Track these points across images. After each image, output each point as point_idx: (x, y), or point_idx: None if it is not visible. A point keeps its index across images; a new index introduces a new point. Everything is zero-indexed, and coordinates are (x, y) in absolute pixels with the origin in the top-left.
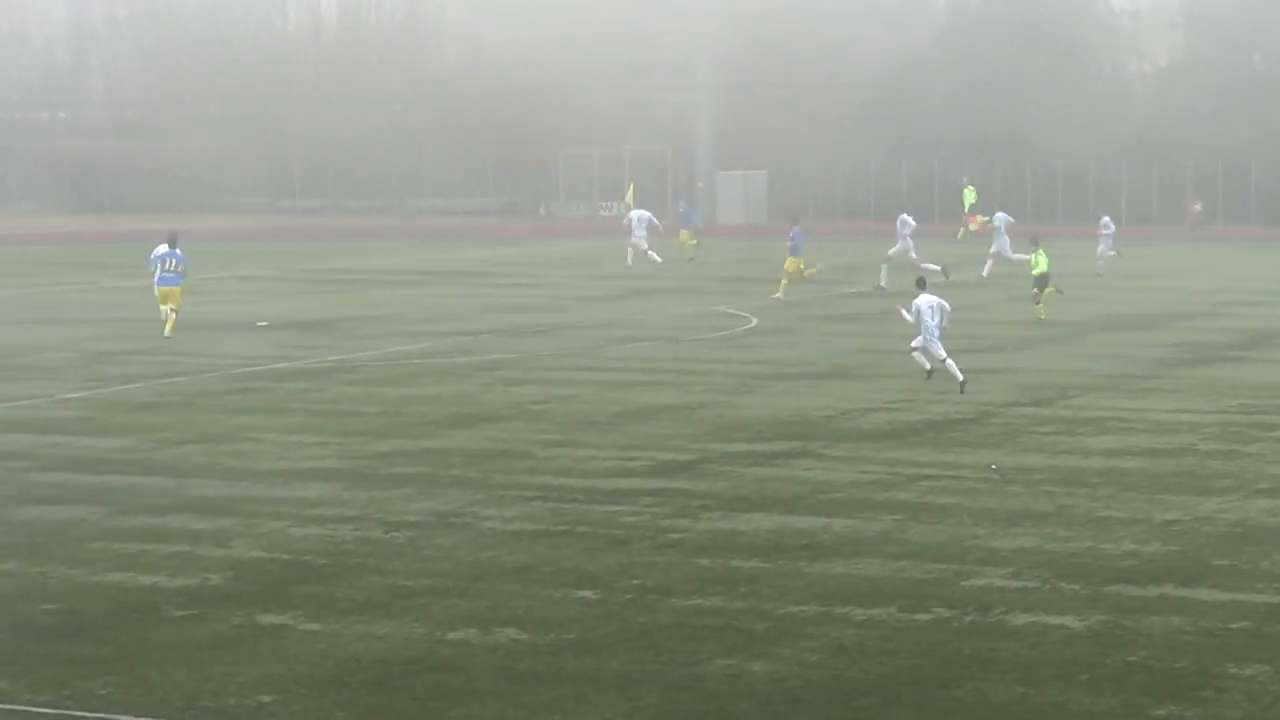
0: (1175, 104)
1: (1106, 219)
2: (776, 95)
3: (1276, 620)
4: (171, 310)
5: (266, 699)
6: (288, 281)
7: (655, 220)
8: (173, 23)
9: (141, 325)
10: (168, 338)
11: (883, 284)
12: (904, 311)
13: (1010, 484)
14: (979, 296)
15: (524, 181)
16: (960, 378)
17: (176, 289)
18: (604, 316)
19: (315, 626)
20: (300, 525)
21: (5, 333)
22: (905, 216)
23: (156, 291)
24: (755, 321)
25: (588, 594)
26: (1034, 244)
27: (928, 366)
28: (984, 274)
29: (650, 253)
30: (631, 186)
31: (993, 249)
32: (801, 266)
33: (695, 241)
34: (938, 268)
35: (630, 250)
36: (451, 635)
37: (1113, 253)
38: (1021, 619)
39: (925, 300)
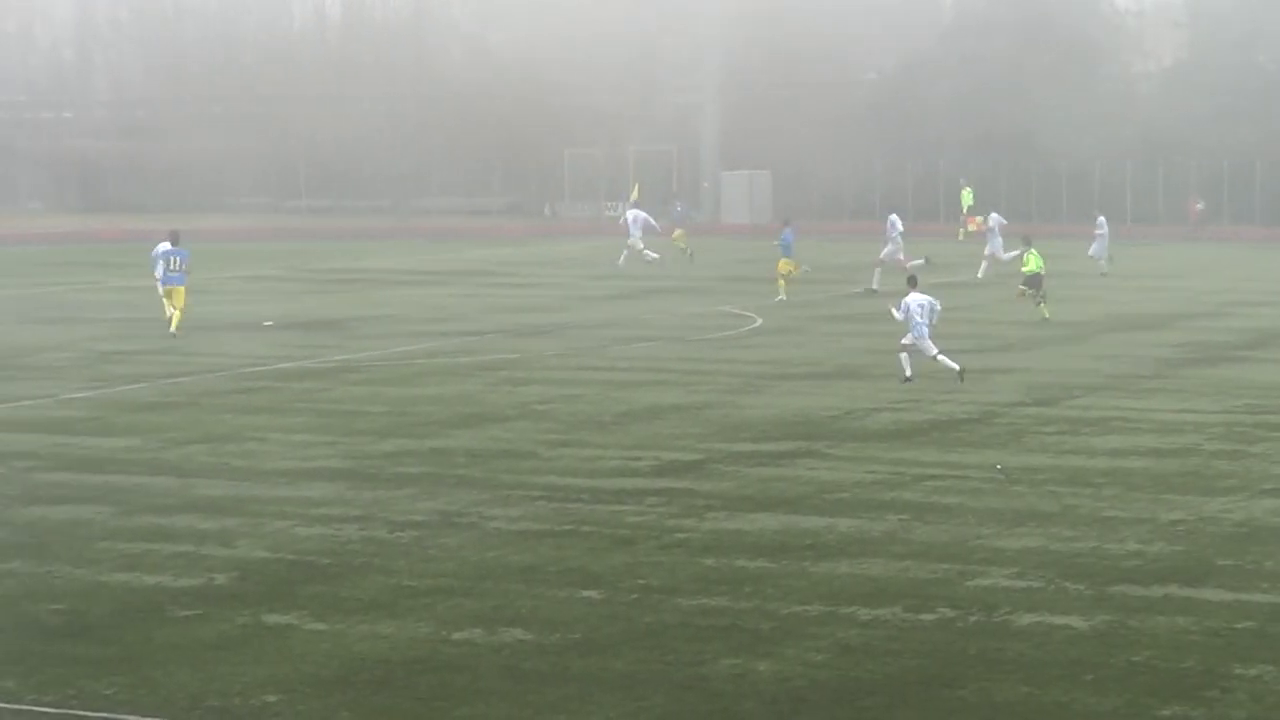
0: (1180, 104)
1: (1101, 219)
2: (781, 95)
3: None
4: (175, 308)
5: (271, 699)
6: (293, 281)
7: (653, 221)
8: (178, 23)
9: (146, 325)
10: (173, 335)
11: (875, 287)
12: (894, 311)
13: (1015, 484)
14: (981, 296)
15: (529, 181)
16: (956, 368)
17: (181, 287)
18: (609, 316)
19: (320, 626)
20: (305, 525)
21: (11, 332)
22: (894, 218)
23: (161, 289)
24: (760, 321)
25: (593, 594)
26: (1026, 243)
27: (908, 373)
28: (979, 275)
29: (646, 251)
30: (636, 186)
31: (987, 250)
32: (792, 268)
33: (680, 243)
34: (922, 260)
35: (625, 251)
36: (457, 635)
37: (1104, 257)
38: (1026, 619)
39: (916, 299)
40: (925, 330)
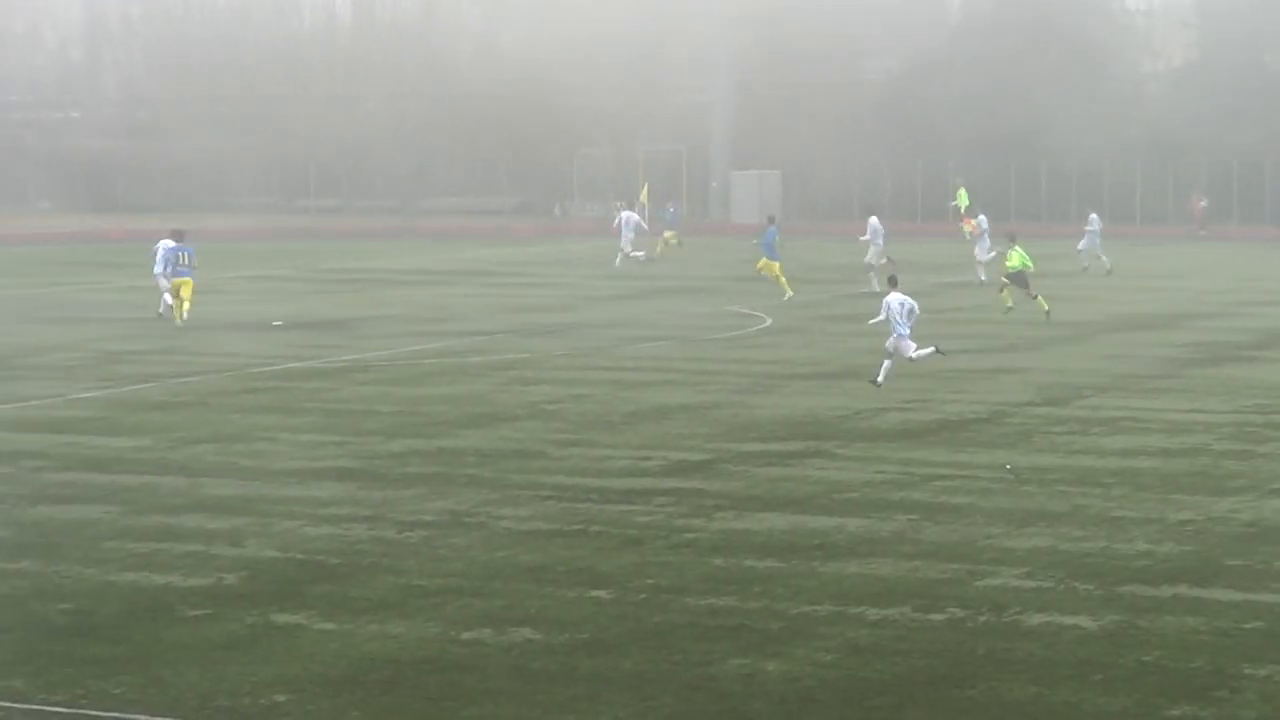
0: (1189, 104)
1: (1093, 216)
2: (791, 95)
3: None
4: (184, 300)
5: (281, 698)
6: (302, 281)
7: (644, 224)
8: (187, 22)
9: (155, 325)
10: (180, 326)
11: (877, 289)
12: (871, 322)
13: (1024, 484)
14: (985, 297)
15: (538, 181)
16: (932, 348)
17: (190, 280)
18: (617, 316)
19: (329, 626)
20: (314, 525)
21: (19, 332)
22: (875, 221)
23: (170, 284)
24: (769, 321)
25: (601, 594)
26: (1011, 240)
27: (880, 378)
28: (982, 278)
29: (635, 253)
30: (646, 187)
31: (976, 251)
32: (778, 270)
33: (672, 242)
34: (891, 260)
35: (619, 254)
36: (466, 635)
37: (1104, 259)
38: (1036, 619)
39: (896, 298)
40: (905, 330)
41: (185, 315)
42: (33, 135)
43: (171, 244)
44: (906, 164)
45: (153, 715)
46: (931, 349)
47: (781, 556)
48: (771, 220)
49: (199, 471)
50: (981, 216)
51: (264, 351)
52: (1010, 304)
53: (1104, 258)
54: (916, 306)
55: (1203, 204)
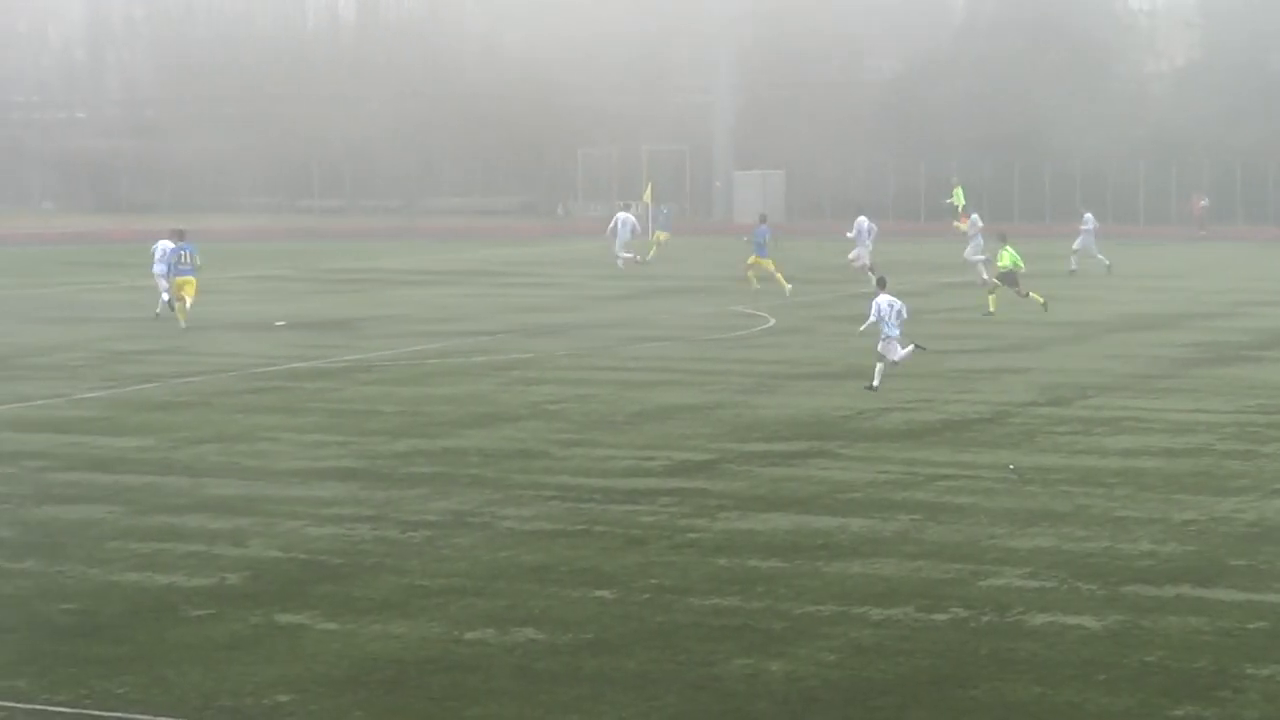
0: (1192, 104)
1: (1088, 215)
2: (794, 95)
3: None
4: (182, 300)
5: (284, 698)
6: (305, 281)
7: (638, 225)
8: (190, 23)
9: (158, 325)
10: (185, 327)
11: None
12: (862, 327)
13: (1028, 484)
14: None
15: (542, 181)
16: (912, 347)
17: (193, 279)
18: (621, 316)
19: (332, 626)
20: (317, 525)
21: (23, 332)
22: (864, 220)
23: (172, 283)
24: (772, 321)
25: (605, 594)
26: (1002, 239)
27: (875, 382)
28: (986, 278)
29: (624, 254)
30: (649, 186)
31: (966, 251)
32: (771, 267)
33: (661, 240)
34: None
35: (619, 257)
36: (469, 635)
37: (1102, 258)
38: (1039, 619)
39: (885, 300)
40: (895, 333)
41: (184, 320)
42: (36, 135)
43: (170, 244)
44: (909, 164)
45: (156, 715)
46: (912, 347)
47: (785, 556)
48: (763, 219)
49: (202, 471)
50: (975, 215)
51: (267, 351)
52: (993, 309)
53: (1101, 256)
54: (905, 309)
55: (1203, 204)
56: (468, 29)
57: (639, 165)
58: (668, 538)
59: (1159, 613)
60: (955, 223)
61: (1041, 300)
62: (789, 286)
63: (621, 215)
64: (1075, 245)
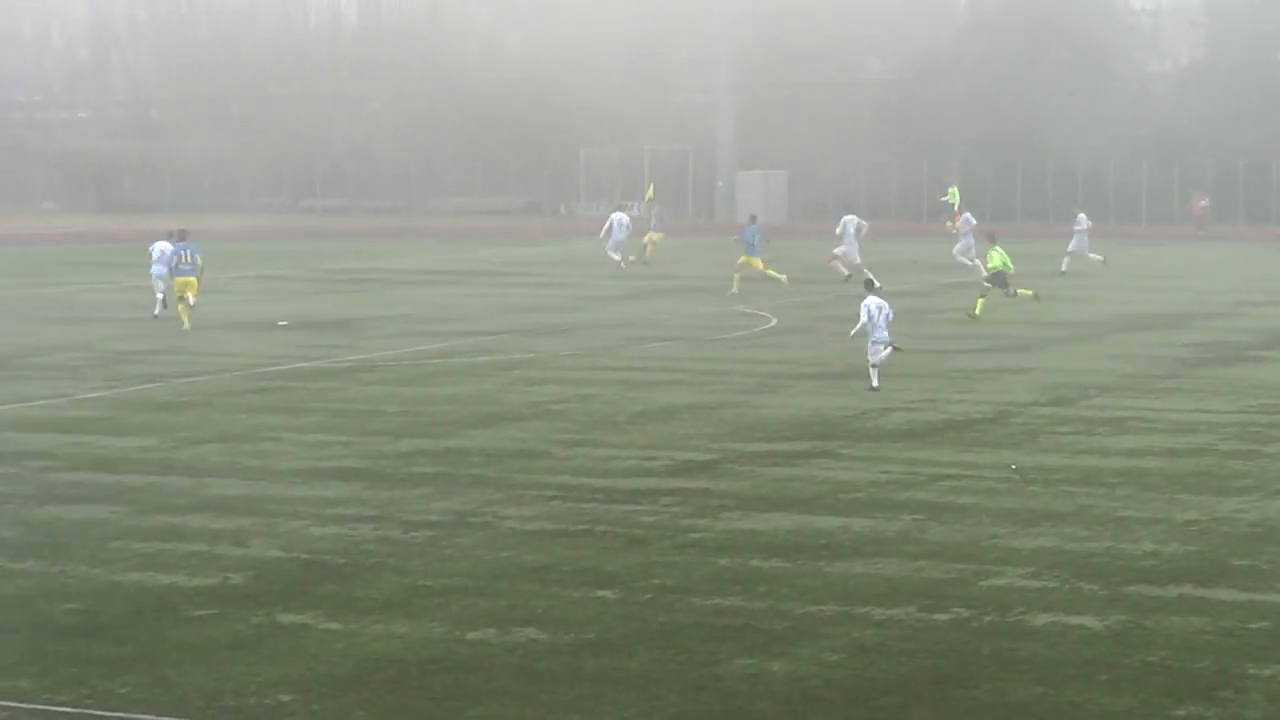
0: (1195, 104)
1: (1081, 215)
2: (797, 95)
3: None
4: (182, 301)
5: (286, 698)
6: (307, 281)
7: (628, 226)
8: (193, 23)
9: (161, 325)
10: (188, 328)
11: (872, 280)
12: (854, 329)
13: (1030, 484)
14: (990, 297)
15: (544, 181)
16: (891, 347)
17: (194, 279)
18: (623, 316)
19: (334, 626)
20: (320, 524)
21: (25, 332)
22: (851, 218)
23: (165, 285)
24: (775, 321)
25: (607, 594)
26: (990, 240)
27: (876, 384)
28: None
29: (613, 255)
30: (652, 186)
31: (955, 250)
32: (760, 265)
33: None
34: (847, 272)
35: (621, 257)
36: (471, 635)
37: (1096, 256)
38: (1041, 619)
39: (875, 302)
40: (882, 335)
41: (187, 323)
42: (39, 135)
43: (168, 245)
44: (911, 164)
45: (158, 715)
46: (890, 350)
47: (787, 556)
48: (753, 219)
49: (204, 471)
50: (967, 214)
51: (269, 351)
52: (978, 313)
53: (1092, 255)
54: (892, 312)
55: (1203, 204)
56: (469, 29)
57: (641, 165)
58: (670, 538)
59: (1161, 613)
60: (948, 222)
61: (1031, 293)
62: (783, 277)
63: (616, 215)
64: (1070, 246)
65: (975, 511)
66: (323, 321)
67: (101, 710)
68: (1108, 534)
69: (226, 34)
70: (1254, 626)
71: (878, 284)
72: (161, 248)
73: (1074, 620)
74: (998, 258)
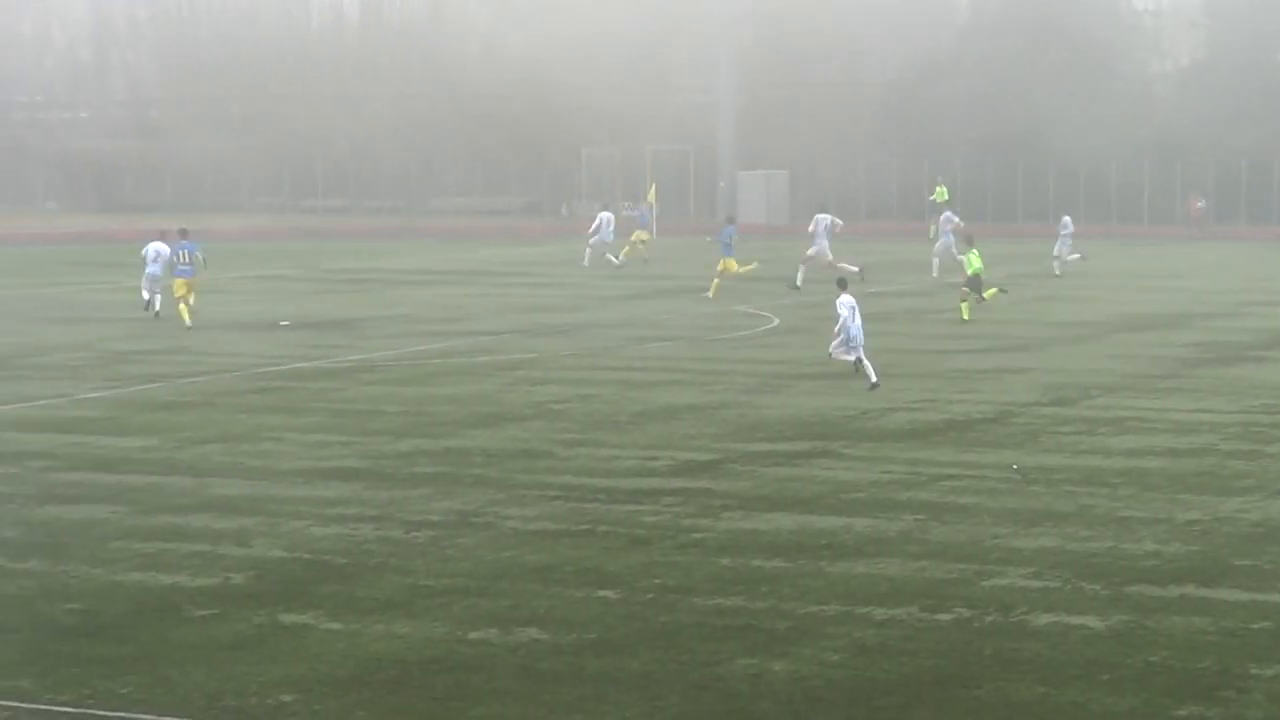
0: (1196, 104)
1: (1067, 219)
2: (798, 95)
3: None
4: (181, 302)
5: (287, 698)
6: (308, 281)
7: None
8: (194, 23)
9: (161, 324)
10: (189, 326)
11: (856, 271)
12: (836, 327)
13: (1031, 484)
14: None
15: (545, 181)
16: (853, 358)
17: (194, 279)
18: (624, 316)
19: (336, 626)
20: (321, 524)
21: (26, 332)
22: (823, 217)
23: (157, 285)
24: (776, 321)
25: (609, 594)
26: (968, 243)
27: (874, 380)
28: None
29: (608, 256)
30: (653, 186)
31: (936, 247)
32: (736, 267)
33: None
34: (856, 269)
35: (589, 250)
36: (472, 635)
37: (1075, 255)
38: (1043, 619)
39: (848, 301)
40: (853, 332)
41: (189, 321)
42: (39, 135)
43: (163, 246)
44: (912, 164)
45: (159, 715)
46: (857, 357)
47: (788, 556)
48: (730, 219)
49: (206, 471)
50: (948, 213)
51: (270, 351)
52: (967, 317)
53: (1071, 255)
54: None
55: (1200, 204)
56: (470, 29)
57: (642, 165)
58: (671, 538)
59: (1163, 613)
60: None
61: (1000, 289)
62: (752, 264)
63: (604, 214)
64: (1054, 250)
65: (977, 511)
66: (323, 321)
67: (103, 710)
68: (1110, 534)
69: (227, 34)
70: (1256, 626)
71: (860, 272)
72: (157, 248)
73: (1076, 620)
74: (976, 262)
